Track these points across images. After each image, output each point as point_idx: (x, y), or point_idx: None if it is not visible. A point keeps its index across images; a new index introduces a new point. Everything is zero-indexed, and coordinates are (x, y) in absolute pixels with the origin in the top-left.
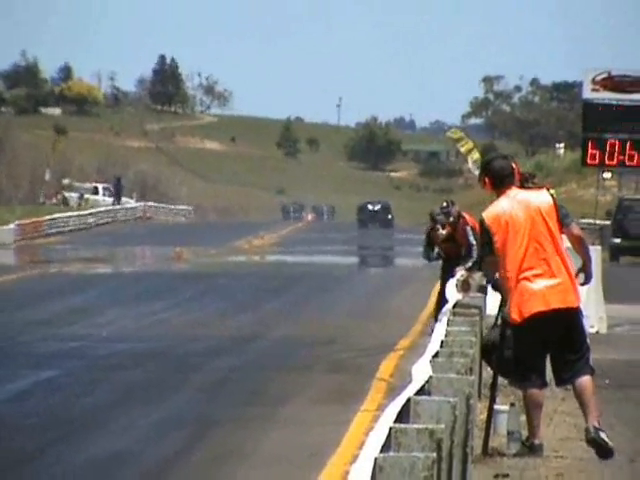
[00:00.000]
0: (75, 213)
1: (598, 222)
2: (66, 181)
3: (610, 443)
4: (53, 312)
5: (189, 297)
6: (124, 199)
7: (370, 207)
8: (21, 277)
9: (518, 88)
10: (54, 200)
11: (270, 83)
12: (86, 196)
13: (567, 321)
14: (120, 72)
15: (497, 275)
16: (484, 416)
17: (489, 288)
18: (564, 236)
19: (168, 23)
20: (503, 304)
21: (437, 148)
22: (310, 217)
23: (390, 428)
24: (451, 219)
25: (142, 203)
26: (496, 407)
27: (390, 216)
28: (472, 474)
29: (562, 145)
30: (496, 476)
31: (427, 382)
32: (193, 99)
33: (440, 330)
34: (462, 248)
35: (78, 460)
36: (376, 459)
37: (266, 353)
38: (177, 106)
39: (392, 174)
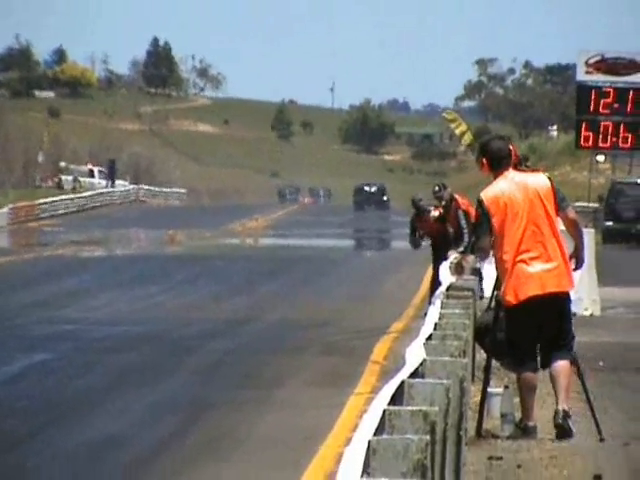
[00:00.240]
0: (69, 196)
1: (591, 205)
2: (62, 164)
3: (574, 429)
4: (47, 295)
5: (183, 280)
6: (119, 182)
7: (366, 189)
8: (14, 260)
9: (511, 71)
10: (49, 183)
11: (263, 66)
12: (82, 179)
13: (560, 305)
14: (113, 55)
15: (490, 255)
16: (478, 399)
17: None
18: (558, 219)
19: (161, 6)
20: (497, 287)
21: (430, 131)
22: (307, 200)
23: (384, 410)
24: (443, 203)
25: (136, 186)
26: (490, 390)
27: (386, 198)
28: (466, 456)
29: (555, 128)
30: (490, 458)
31: (421, 365)
32: (187, 82)
33: (434, 313)
34: (450, 229)
35: (71, 443)
36: (370, 442)
37: (260, 336)
38: (171, 89)
39: (385, 157)
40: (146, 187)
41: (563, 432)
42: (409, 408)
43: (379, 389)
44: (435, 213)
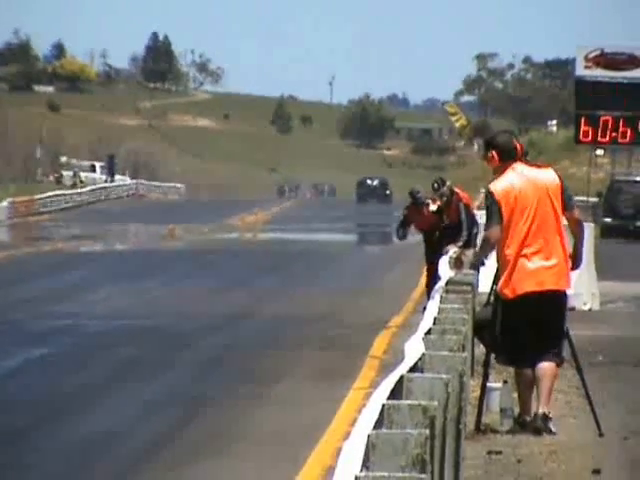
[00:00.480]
0: (68, 191)
1: (591, 199)
2: (64, 159)
3: (554, 430)
4: (46, 289)
5: (182, 275)
6: (119, 177)
7: (369, 182)
8: (14, 255)
9: (511, 65)
10: (51, 178)
11: (263, 60)
12: (84, 174)
13: (556, 303)
14: (113, 50)
15: (494, 248)
16: (477, 393)
17: (482, 264)
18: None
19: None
20: (496, 281)
21: (430, 125)
22: (309, 194)
23: (383, 405)
24: (444, 199)
25: (135, 181)
26: (489, 384)
27: (388, 191)
28: (465, 451)
29: (555, 122)
30: (489, 453)
31: (420, 359)
32: (186, 76)
33: (432, 307)
34: (446, 222)
35: (70, 438)
36: (369, 436)
37: (259, 331)
38: (170, 83)
39: (385, 151)
40: (145, 182)
41: (538, 433)
42: (408, 402)
43: (378, 384)
44: (433, 207)
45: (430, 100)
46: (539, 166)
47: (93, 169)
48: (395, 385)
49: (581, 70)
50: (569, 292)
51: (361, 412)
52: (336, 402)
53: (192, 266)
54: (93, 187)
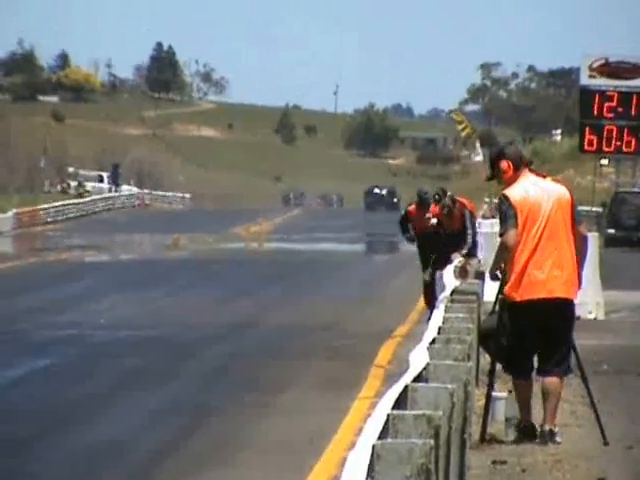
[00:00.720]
0: (73, 201)
1: (595, 209)
2: (71, 169)
3: (560, 440)
4: (50, 299)
5: (187, 284)
6: (126, 187)
7: (377, 191)
8: (19, 265)
9: (515, 75)
10: (59, 188)
11: (267, 70)
12: (91, 184)
13: (564, 312)
14: (117, 59)
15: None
16: (482, 403)
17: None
18: None
19: (165, 10)
20: (501, 291)
21: (434, 135)
22: (315, 204)
23: (388, 415)
24: (445, 209)
25: (139, 190)
26: (494, 394)
27: (396, 199)
28: (470, 460)
29: (559, 131)
30: (494, 462)
31: (424, 369)
32: (190, 86)
33: (437, 317)
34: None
35: (74, 447)
36: (374, 446)
37: (264, 340)
38: (174, 93)
39: (390, 161)
40: (149, 192)
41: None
42: (413, 412)
43: (383, 393)
44: (434, 221)
45: (434, 110)
46: (544, 176)
47: (101, 179)
48: (400, 395)
49: (585, 79)
50: (576, 302)
51: (366, 422)
52: (341, 412)
53: (197, 276)
54: (98, 197)
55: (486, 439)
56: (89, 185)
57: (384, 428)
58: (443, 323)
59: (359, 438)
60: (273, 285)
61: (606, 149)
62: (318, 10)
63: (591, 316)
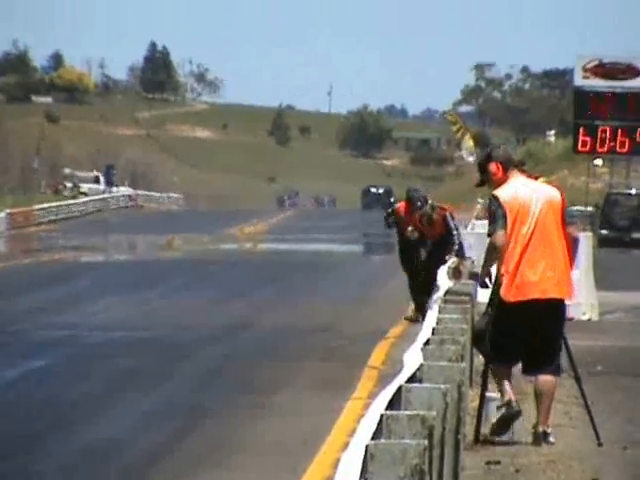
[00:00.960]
0: (67, 202)
1: (589, 209)
2: (67, 170)
3: (553, 441)
4: (44, 300)
5: (181, 285)
6: (123, 188)
7: (373, 190)
8: (12, 265)
9: (509, 76)
10: (48, 192)
11: (261, 70)
12: (87, 185)
13: (556, 311)
14: (111, 60)
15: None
16: (476, 403)
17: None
18: None
19: (159, 10)
20: (495, 293)
21: (428, 136)
22: (309, 204)
23: (381, 415)
24: (425, 219)
25: (133, 191)
26: (488, 394)
27: (392, 199)
28: (464, 461)
29: (553, 132)
30: (488, 463)
31: (418, 370)
32: (184, 87)
33: (431, 317)
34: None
35: (69, 449)
36: (367, 446)
37: (258, 341)
38: (168, 94)
39: (384, 162)
40: (143, 192)
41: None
42: (407, 413)
43: (377, 394)
44: (415, 234)
45: (428, 110)
46: (536, 177)
47: (97, 180)
48: (394, 395)
49: (579, 80)
50: (568, 302)
51: (360, 422)
52: (335, 412)
53: (191, 277)
54: (90, 198)
55: (480, 440)
56: (86, 186)
57: (378, 429)
58: (437, 324)
59: (353, 439)
60: (267, 286)
61: (600, 150)
62: (312, 11)
63: (585, 317)
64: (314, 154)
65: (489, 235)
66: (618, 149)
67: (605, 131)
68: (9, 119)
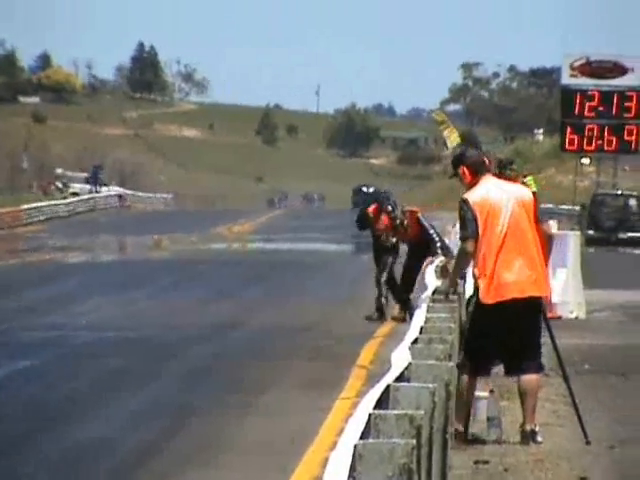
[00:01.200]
0: (54, 202)
1: (576, 208)
2: (59, 170)
3: (541, 440)
4: (32, 301)
5: (169, 285)
6: (115, 188)
7: (365, 189)
8: (0, 266)
9: (496, 74)
10: (35, 190)
11: (248, 70)
12: (78, 185)
13: (536, 309)
14: (98, 60)
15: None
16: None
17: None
18: None
19: (147, 10)
20: (475, 294)
21: (416, 135)
22: (298, 203)
23: (369, 414)
24: (397, 222)
25: (124, 191)
26: (476, 393)
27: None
28: (452, 460)
29: (541, 131)
30: (476, 462)
31: (406, 369)
32: (172, 87)
33: (419, 316)
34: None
35: (56, 449)
36: (355, 446)
37: (246, 341)
38: (156, 94)
39: (372, 161)
40: (131, 192)
41: (527, 444)
42: (395, 412)
43: (365, 393)
44: (392, 240)
45: (416, 109)
46: (525, 175)
47: (87, 181)
48: (382, 394)
49: (567, 79)
50: (556, 300)
51: (348, 422)
52: (323, 412)
53: (179, 276)
54: (79, 198)
55: (468, 439)
56: (77, 186)
57: (366, 428)
58: (425, 323)
59: (341, 438)
60: (256, 286)
61: (587, 148)
62: (300, 10)
63: (572, 315)
64: (301, 154)
65: (461, 239)
66: (605, 147)
67: (592, 129)
68: None
